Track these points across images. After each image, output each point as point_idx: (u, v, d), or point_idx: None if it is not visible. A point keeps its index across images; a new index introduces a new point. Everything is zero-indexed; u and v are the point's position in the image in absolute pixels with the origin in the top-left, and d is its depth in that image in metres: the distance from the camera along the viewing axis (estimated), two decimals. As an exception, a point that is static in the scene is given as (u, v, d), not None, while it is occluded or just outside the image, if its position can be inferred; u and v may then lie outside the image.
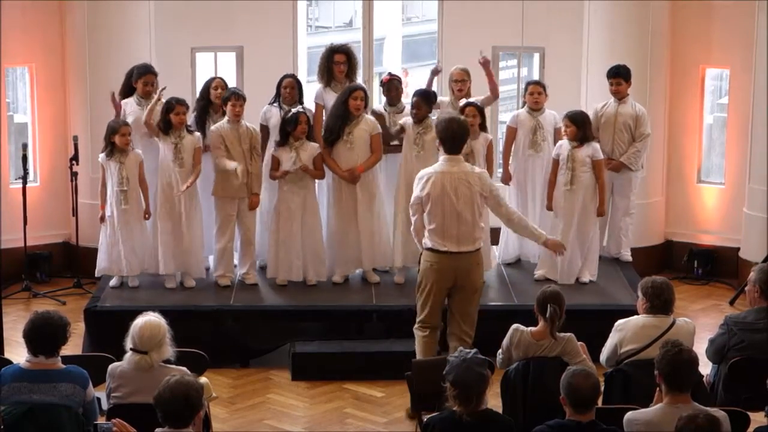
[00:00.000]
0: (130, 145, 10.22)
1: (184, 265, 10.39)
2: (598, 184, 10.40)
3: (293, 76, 10.77)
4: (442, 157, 8.69)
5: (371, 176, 10.35)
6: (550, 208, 10.52)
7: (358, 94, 10.11)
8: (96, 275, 10.57)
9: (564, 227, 10.43)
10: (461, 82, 10.72)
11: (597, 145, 10.46)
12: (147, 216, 10.34)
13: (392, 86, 10.71)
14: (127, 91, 10.70)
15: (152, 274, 10.47)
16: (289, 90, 10.57)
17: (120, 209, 10.24)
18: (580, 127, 10.28)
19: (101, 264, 10.45)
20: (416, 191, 8.68)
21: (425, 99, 10.33)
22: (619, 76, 10.95)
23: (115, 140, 10.16)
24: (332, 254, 10.50)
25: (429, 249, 8.66)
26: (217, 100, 10.49)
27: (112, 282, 10.42)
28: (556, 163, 10.44)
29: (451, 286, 8.71)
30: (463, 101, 10.46)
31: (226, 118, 10.27)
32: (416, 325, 8.87)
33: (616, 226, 11.15)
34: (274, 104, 10.64)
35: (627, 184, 11.04)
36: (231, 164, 10.11)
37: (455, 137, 8.62)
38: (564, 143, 10.42)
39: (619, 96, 10.97)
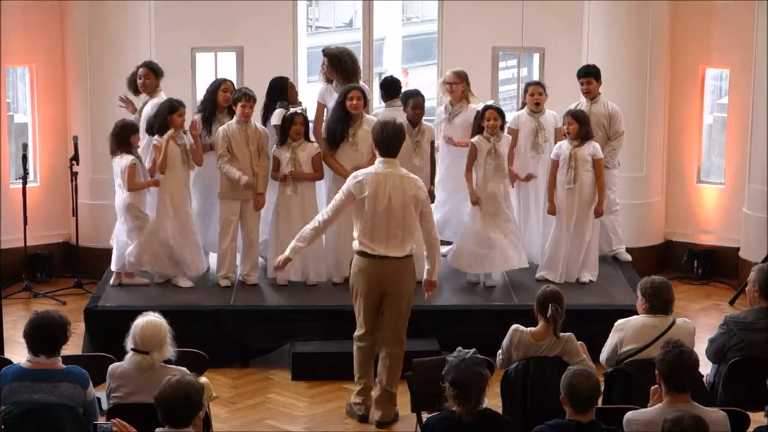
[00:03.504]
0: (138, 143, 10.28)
1: (179, 267, 10.39)
2: (598, 183, 10.41)
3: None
4: (379, 159, 8.55)
5: None
6: (552, 211, 10.50)
7: (353, 95, 10.11)
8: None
9: (563, 226, 10.45)
10: (450, 85, 10.75)
11: (597, 144, 10.46)
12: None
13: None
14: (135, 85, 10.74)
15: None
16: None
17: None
18: (583, 124, 10.30)
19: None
20: (348, 184, 8.50)
21: (424, 99, 10.33)
22: (589, 75, 10.94)
23: (132, 141, 10.17)
24: (334, 255, 10.50)
25: (358, 252, 8.53)
26: (226, 102, 10.48)
27: (113, 281, 10.40)
28: (555, 164, 10.44)
29: (381, 292, 8.56)
30: (481, 104, 10.44)
31: (235, 118, 10.26)
32: (354, 339, 8.80)
33: (603, 224, 11.14)
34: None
35: (606, 182, 11.00)
36: (237, 173, 10.15)
37: (390, 141, 8.49)
38: (563, 144, 10.42)
39: (591, 96, 10.96)
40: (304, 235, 8.61)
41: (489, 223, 10.36)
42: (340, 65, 10.57)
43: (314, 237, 8.73)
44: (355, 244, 8.60)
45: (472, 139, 10.34)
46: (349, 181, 8.55)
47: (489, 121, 10.19)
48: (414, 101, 10.23)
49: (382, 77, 11.22)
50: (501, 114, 10.27)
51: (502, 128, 10.34)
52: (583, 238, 10.48)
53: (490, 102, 10.47)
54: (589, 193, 10.40)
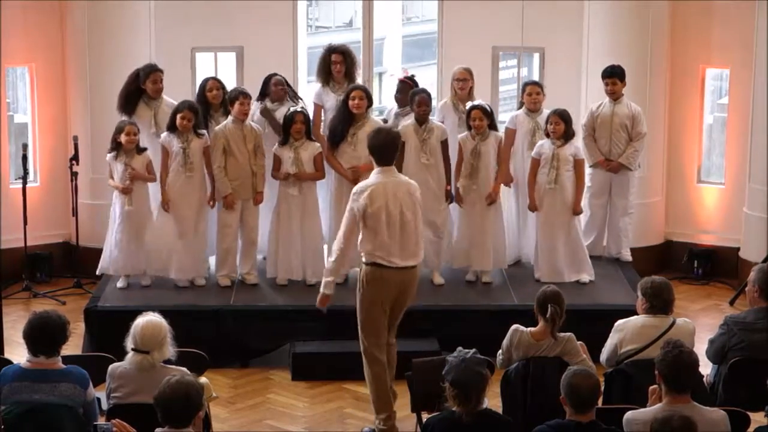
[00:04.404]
0: (135, 145, 10.19)
1: (194, 270, 10.39)
2: (578, 183, 10.43)
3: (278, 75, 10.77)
4: (376, 169, 8.28)
5: None
6: (534, 208, 10.51)
7: (356, 94, 10.11)
8: (97, 273, 10.56)
9: (546, 225, 10.46)
10: (463, 81, 10.70)
11: (579, 145, 10.50)
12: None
13: (404, 89, 10.66)
14: (129, 96, 10.64)
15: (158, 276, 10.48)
16: (280, 86, 10.61)
17: (124, 210, 10.24)
18: (569, 124, 10.33)
19: (102, 263, 10.45)
20: (353, 203, 8.19)
21: (429, 97, 10.32)
22: (614, 75, 10.95)
23: (121, 140, 10.16)
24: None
25: (372, 264, 8.21)
26: (215, 101, 10.50)
27: (119, 283, 10.38)
28: (536, 162, 10.43)
29: (393, 301, 8.35)
30: (469, 104, 10.42)
31: (230, 117, 10.26)
32: (366, 356, 8.44)
33: (616, 226, 11.18)
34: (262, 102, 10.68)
35: (625, 184, 11.06)
36: (226, 190, 10.20)
37: (384, 148, 8.23)
38: (545, 143, 10.42)
39: (615, 96, 10.97)
40: (331, 268, 8.34)
41: (470, 222, 10.39)
42: (353, 62, 10.60)
43: (339, 267, 8.42)
44: (366, 257, 8.27)
45: (459, 136, 10.35)
46: (356, 198, 8.19)
47: (474, 121, 10.19)
48: (419, 98, 10.20)
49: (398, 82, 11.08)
50: (486, 114, 10.22)
51: (492, 127, 10.31)
52: (569, 237, 10.49)
53: (477, 102, 10.41)
54: (570, 193, 10.41)
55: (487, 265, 10.49)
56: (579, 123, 11.05)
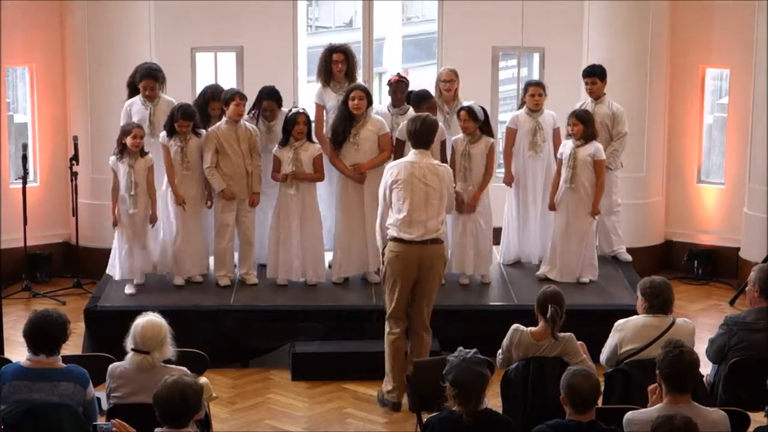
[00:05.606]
0: (140, 148, 10.15)
1: (193, 267, 10.43)
2: (597, 183, 10.42)
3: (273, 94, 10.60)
4: (411, 151, 8.90)
5: (378, 179, 10.27)
6: (553, 207, 10.52)
7: (355, 94, 10.09)
8: (107, 272, 10.50)
9: (562, 225, 10.46)
10: (449, 83, 10.69)
11: (600, 146, 10.46)
12: (153, 220, 10.31)
13: (399, 88, 10.64)
14: (133, 90, 10.67)
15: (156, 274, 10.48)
16: (269, 112, 10.51)
17: (128, 213, 10.22)
18: (587, 125, 10.31)
19: (110, 267, 10.41)
20: (383, 179, 8.89)
21: (428, 99, 10.32)
22: (593, 75, 10.95)
23: (126, 142, 10.12)
24: (336, 256, 10.48)
25: (394, 239, 8.73)
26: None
27: (127, 290, 10.24)
28: (560, 162, 10.46)
29: (415, 278, 8.78)
30: (465, 102, 10.42)
31: (224, 119, 10.25)
32: (386, 323, 8.92)
33: (603, 225, 11.16)
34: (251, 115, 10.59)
35: (608, 183, 11.01)
36: (219, 186, 10.19)
37: (417, 133, 8.85)
38: (568, 142, 10.43)
39: (595, 95, 10.97)
40: (378, 243, 8.98)
41: (454, 225, 10.39)
42: (354, 62, 10.63)
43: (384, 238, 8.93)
44: (391, 231, 8.73)
45: (452, 139, 10.36)
46: (385, 174, 8.90)
47: (462, 122, 10.18)
48: (429, 105, 10.21)
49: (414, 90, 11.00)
50: (473, 116, 10.14)
51: (484, 130, 10.26)
52: (581, 237, 10.49)
53: (467, 103, 10.35)
54: (586, 193, 10.40)
55: (467, 269, 10.45)
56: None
